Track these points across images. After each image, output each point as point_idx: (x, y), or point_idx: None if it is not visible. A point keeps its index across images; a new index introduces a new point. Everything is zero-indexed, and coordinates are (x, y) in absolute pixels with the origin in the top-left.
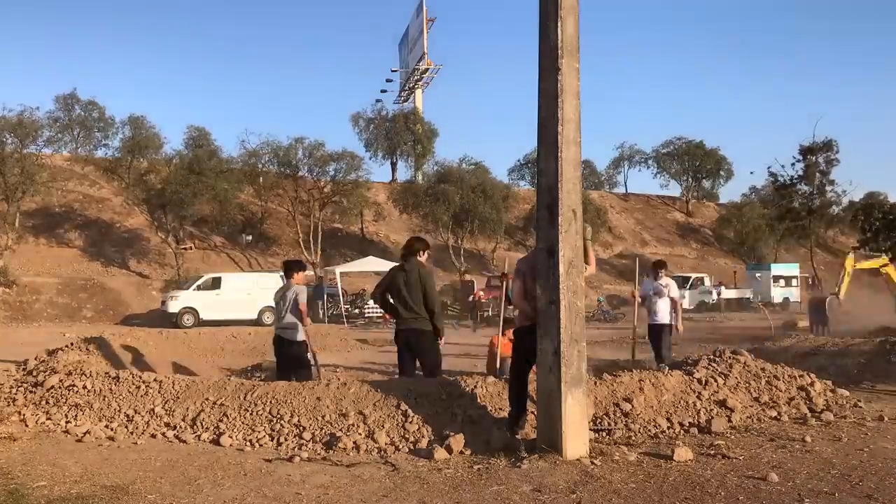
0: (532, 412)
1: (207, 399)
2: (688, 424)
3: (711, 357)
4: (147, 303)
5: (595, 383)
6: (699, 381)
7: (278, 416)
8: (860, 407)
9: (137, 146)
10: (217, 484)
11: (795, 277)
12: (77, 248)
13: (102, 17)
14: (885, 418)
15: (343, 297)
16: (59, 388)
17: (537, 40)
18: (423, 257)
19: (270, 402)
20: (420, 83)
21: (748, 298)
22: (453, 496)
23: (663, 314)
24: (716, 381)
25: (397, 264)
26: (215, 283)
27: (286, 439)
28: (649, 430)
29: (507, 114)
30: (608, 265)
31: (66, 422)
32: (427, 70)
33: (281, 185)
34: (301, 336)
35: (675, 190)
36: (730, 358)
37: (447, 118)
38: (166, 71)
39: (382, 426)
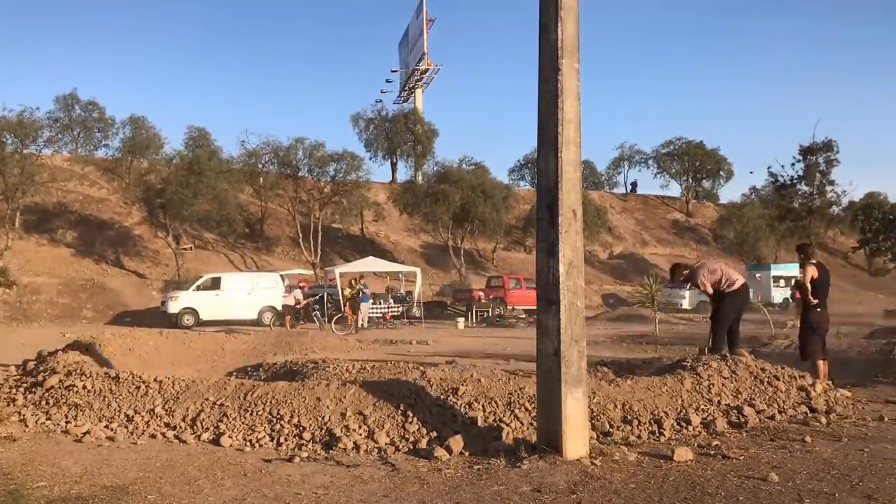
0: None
1: (207, 399)
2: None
3: (713, 357)
4: (147, 303)
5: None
6: (700, 381)
7: (278, 416)
8: (860, 407)
9: (137, 146)
10: (217, 484)
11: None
12: (76, 248)
13: (103, 18)
14: (885, 418)
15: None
16: (59, 388)
17: (537, 40)
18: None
19: (270, 402)
20: (420, 83)
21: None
22: (453, 496)
23: None
24: (717, 381)
25: None
26: (215, 284)
27: (286, 439)
28: (650, 429)
29: (507, 114)
30: (606, 265)
31: (66, 422)
32: (427, 70)
33: (281, 185)
34: None
35: (675, 190)
36: (731, 358)
37: (447, 118)
38: (166, 71)
39: (382, 426)
